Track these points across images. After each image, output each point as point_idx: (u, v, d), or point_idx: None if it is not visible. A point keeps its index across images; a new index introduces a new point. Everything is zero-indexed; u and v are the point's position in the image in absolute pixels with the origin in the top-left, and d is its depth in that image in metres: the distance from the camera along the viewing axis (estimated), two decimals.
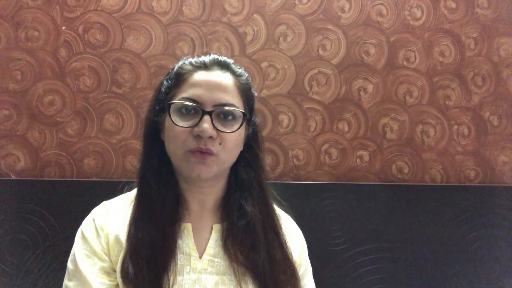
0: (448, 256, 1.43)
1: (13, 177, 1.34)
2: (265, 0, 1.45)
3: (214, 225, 0.80)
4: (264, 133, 1.42)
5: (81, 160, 1.37)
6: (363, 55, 1.49)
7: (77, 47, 1.38)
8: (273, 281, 0.76)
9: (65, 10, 1.37)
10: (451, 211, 1.44)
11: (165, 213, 0.76)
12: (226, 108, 0.76)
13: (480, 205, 1.45)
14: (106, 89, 1.39)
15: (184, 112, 0.75)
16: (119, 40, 1.39)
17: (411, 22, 1.51)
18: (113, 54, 1.39)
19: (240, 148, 0.81)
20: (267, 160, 1.42)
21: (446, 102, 1.52)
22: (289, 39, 1.46)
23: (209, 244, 0.78)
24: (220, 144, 0.75)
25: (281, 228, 0.83)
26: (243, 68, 0.84)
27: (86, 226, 0.78)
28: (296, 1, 1.46)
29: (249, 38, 1.44)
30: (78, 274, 0.73)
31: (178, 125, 0.74)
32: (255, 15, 1.45)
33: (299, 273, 0.83)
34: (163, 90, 0.81)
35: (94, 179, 1.36)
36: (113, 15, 1.39)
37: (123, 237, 0.75)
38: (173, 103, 0.76)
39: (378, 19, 1.50)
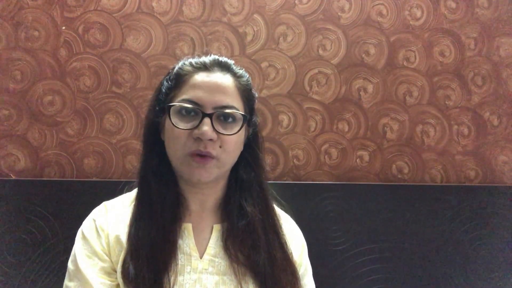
0: (448, 256, 1.43)
1: (13, 177, 1.34)
2: (265, 0, 1.45)
3: (214, 225, 0.80)
4: (264, 133, 1.42)
5: (81, 160, 1.37)
6: (363, 55, 1.49)
7: (77, 47, 1.38)
8: (273, 281, 0.76)
9: (65, 10, 1.37)
10: (451, 211, 1.44)
11: (166, 213, 0.76)
12: (227, 110, 0.75)
13: (480, 205, 1.45)
14: (106, 89, 1.39)
15: (184, 114, 0.75)
16: (119, 40, 1.39)
17: (411, 22, 1.51)
18: (113, 54, 1.39)
19: (240, 149, 0.81)
20: (267, 160, 1.42)
21: (446, 102, 1.52)
22: (289, 39, 1.46)
23: (209, 244, 0.78)
24: (220, 146, 0.75)
25: (281, 228, 0.84)
26: (243, 69, 0.83)
27: (87, 227, 0.78)
28: (296, 1, 1.46)
29: (249, 38, 1.44)
30: (78, 275, 0.73)
31: (178, 127, 0.74)
32: (255, 15, 1.45)
33: (299, 273, 0.83)
34: (163, 90, 0.80)
35: (94, 179, 1.36)
36: (113, 15, 1.39)
37: (124, 237, 0.75)
38: (173, 105, 0.75)
39: (378, 19, 1.50)
